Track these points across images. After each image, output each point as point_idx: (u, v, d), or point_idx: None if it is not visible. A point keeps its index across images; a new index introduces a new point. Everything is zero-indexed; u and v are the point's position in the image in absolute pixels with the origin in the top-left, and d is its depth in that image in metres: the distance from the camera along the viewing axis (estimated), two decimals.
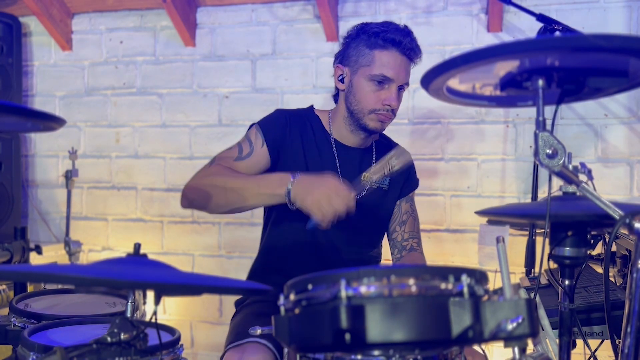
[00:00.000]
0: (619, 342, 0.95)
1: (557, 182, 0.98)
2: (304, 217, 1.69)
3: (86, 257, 2.99)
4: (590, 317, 1.43)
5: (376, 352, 0.81)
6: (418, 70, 1.36)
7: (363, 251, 1.76)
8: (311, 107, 1.81)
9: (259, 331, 1.16)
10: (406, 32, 1.62)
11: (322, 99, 2.63)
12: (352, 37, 1.67)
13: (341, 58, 1.70)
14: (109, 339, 0.86)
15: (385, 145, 1.82)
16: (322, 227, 1.38)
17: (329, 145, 1.72)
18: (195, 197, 1.54)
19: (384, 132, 1.83)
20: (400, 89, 1.64)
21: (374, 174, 1.51)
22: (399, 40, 1.59)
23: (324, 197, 1.35)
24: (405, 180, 1.80)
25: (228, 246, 2.82)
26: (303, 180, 1.40)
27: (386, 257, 1.95)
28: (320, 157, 1.70)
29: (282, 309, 0.86)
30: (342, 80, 1.69)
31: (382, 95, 1.61)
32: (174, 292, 0.87)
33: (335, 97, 1.76)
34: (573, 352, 1.17)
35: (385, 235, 1.82)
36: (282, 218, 1.73)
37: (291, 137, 1.68)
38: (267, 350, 1.40)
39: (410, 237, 1.76)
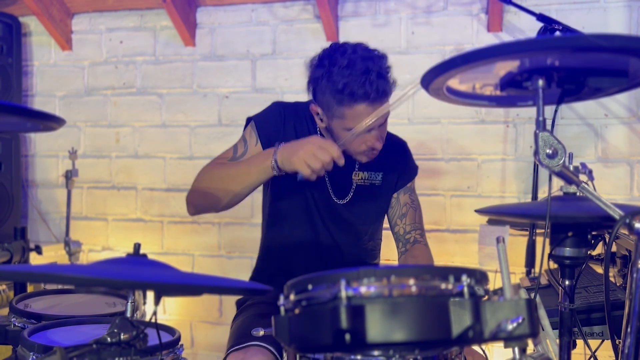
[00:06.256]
0: (619, 342, 0.95)
1: (557, 182, 0.98)
2: (301, 217, 1.69)
3: (86, 257, 2.99)
4: (591, 317, 1.43)
5: (376, 353, 0.81)
6: (418, 70, 1.36)
7: (359, 244, 1.75)
8: (310, 102, 1.80)
9: (261, 332, 1.16)
10: (373, 77, 1.46)
11: None
12: (317, 81, 1.54)
13: (314, 94, 1.58)
14: (109, 339, 0.86)
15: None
16: (310, 179, 1.44)
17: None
18: (198, 200, 1.59)
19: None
20: (381, 126, 1.57)
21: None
22: (365, 93, 1.45)
23: (308, 153, 1.40)
24: (401, 173, 1.76)
25: (228, 246, 2.82)
26: (286, 146, 1.46)
27: (388, 255, 1.95)
28: None
29: (282, 309, 0.86)
30: (320, 119, 1.60)
31: (366, 139, 1.55)
32: (174, 292, 0.87)
33: None
34: (573, 352, 1.17)
35: (390, 230, 1.81)
36: (279, 218, 1.73)
37: (286, 131, 1.66)
38: (268, 353, 1.40)
39: (413, 229, 1.74)
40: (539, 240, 1.06)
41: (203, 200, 1.58)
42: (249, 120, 1.71)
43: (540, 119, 0.92)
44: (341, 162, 1.43)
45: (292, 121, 1.68)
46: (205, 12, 2.85)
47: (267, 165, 1.47)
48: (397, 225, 1.76)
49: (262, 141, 1.63)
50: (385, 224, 1.82)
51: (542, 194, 2.22)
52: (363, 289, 0.78)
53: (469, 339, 0.77)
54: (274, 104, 1.73)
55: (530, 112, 2.47)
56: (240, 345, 1.43)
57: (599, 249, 1.72)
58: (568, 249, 1.08)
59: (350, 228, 1.72)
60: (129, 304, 1.01)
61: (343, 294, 0.78)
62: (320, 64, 1.55)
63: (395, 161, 1.76)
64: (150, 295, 0.93)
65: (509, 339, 0.78)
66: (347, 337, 0.75)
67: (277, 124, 1.66)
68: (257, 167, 1.49)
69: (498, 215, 1.19)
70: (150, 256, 0.94)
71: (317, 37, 2.69)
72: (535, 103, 0.93)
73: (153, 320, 0.88)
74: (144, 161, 2.94)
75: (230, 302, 1.87)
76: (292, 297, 0.85)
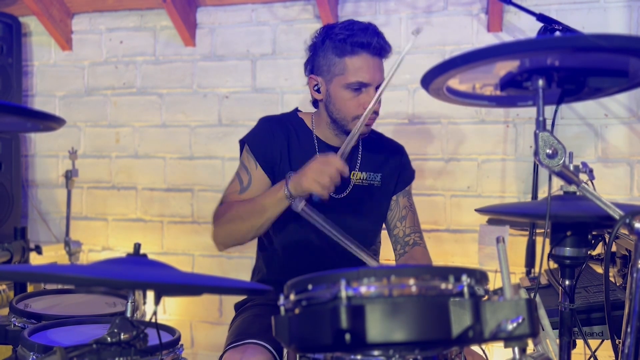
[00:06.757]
0: (619, 342, 0.95)
1: (557, 182, 0.98)
2: (298, 218, 1.69)
3: (86, 257, 2.99)
4: (591, 317, 1.43)
5: (376, 352, 0.81)
6: (418, 70, 1.36)
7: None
8: (295, 110, 1.81)
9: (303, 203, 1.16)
10: (372, 30, 1.58)
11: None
12: (317, 45, 1.65)
13: (311, 67, 1.69)
14: (109, 339, 0.86)
15: (374, 141, 1.80)
16: (324, 197, 1.46)
17: (313, 146, 1.72)
18: (225, 240, 1.64)
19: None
20: (378, 87, 1.62)
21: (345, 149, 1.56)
22: (368, 42, 1.56)
23: (316, 172, 1.44)
24: (399, 175, 1.78)
25: None
26: (295, 174, 1.50)
27: (386, 255, 1.95)
28: (305, 158, 1.71)
29: (282, 309, 0.86)
30: (318, 90, 1.67)
31: (362, 100, 1.60)
32: (174, 292, 0.87)
33: (314, 104, 1.76)
34: (573, 352, 1.17)
35: (386, 232, 1.82)
36: (277, 220, 1.73)
37: (278, 145, 1.69)
38: (266, 352, 1.40)
39: (412, 232, 1.75)
40: (539, 240, 1.06)
41: (229, 239, 1.63)
42: (242, 143, 1.74)
43: (541, 119, 0.92)
44: (345, 171, 1.46)
45: (281, 133, 1.70)
46: (205, 12, 2.85)
47: (281, 196, 1.50)
48: (396, 227, 1.77)
49: (260, 162, 1.67)
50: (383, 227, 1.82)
51: (542, 194, 2.22)
52: (363, 289, 0.78)
53: (469, 339, 0.77)
54: (261, 121, 1.75)
55: (530, 112, 2.47)
56: (238, 343, 1.43)
57: (599, 249, 1.72)
58: (568, 248, 1.08)
59: (349, 229, 1.72)
60: (129, 304, 1.01)
61: (343, 294, 0.78)
62: (320, 32, 1.66)
63: (394, 164, 1.79)
64: (150, 295, 0.93)
65: (509, 339, 0.78)
66: (347, 337, 0.75)
67: (268, 139, 1.69)
68: (271, 200, 1.53)
69: (498, 214, 1.19)
70: (150, 256, 0.94)
71: None
72: (535, 103, 0.93)
73: (153, 320, 0.88)
74: (144, 161, 2.93)
75: (230, 302, 1.87)
76: (292, 297, 0.85)
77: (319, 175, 1.43)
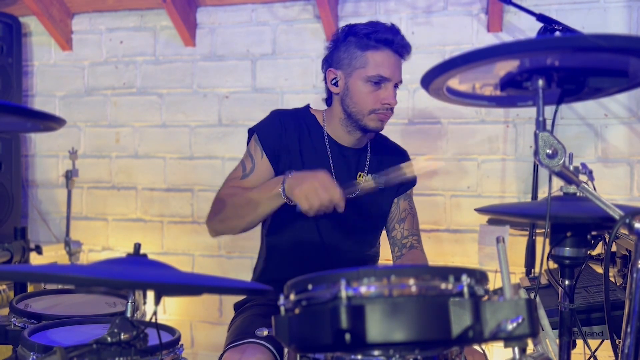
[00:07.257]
0: (619, 342, 0.95)
1: (557, 182, 0.98)
2: (303, 220, 1.69)
3: (86, 257, 2.99)
4: (590, 317, 1.43)
5: (376, 352, 0.81)
6: (418, 70, 1.36)
7: (361, 250, 1.76)
8: (307, 107, 1.82)
9: (265, 332, 1.16)
10: (395, 30, 1.63)
11: (322, 99, 2.62)
12: (340, 40, 1.67)
13: (331, 62, 1.70)
14: (109, 339, 0.86)
15: (382, 144, 1.81)
16: (308, 214, 1.44)
17: (324, 143, 1.73)
18: (218, 227, 1.64)
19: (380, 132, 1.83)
20: (395, 87, 1.65)
21: (375, 179, 1.56)
22: (391, 39, 1.60)
23: (312, 189, 1.41)
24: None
25: (228, 246, 2.82)
26: (296, 175, 1.47)
27: (386, 256, 1.95)
28: (316, 155, 1.71)
29: (282, 309, 0.86)
30: (335, 84, 1.68)
31: (380, 95, 1.62)
32: (174, 292, 0.87)
33: (327, 100, 1.76)
34: (573, 352, 1.17)
35: (385, 233, 1.82)
36: (279, 221, 1.73)
37: (288, 139, 1.69)
38: (266, 352, 1.40)
39: (410, 235, 1.76)
40: (539, 240, 1.07)
41: (222, 226, 1.63)
42: (250, 132, 1.74)
43: (540, 119, 0.92)
44: (341, 207, 1.43)
45: (292, 127, 1.71)
46: (205, 12, 2.85)
47: (277, 193, 1.48)
48: (394, 229, 1.78)
49: (267, 152, 1.67)
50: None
51: (542, 194, 2.22)
52: (363, 289, 0.78)
53: (469, 339, 0.77)
54: (273, 113, 1.75)
55: (530, 112, 2.47)
56: (238, 343, 1.43)
57: (599, 249, 1.72)
58: (568, 249, 1.08)
59: (351, 230, 1.72)
60: (129, 304, 1.01)
61: (343, 294, 0.78)
62: (342, 29, 1.67)
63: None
64: (150, 295, 0.93)
65: (509, 339, 0.78)
66: (347, 337, 0.75)
67: (278, 131, 1.69)
68: (267, 195, 1.51)
69: (498, 214, 1.19)
70: (150, 256, 0.94)
71: (317, 37, 2.69)
72: (535, 103, 0.93)
73: (153, 320, 0.88)
74: (144, 161, 2.94)
75: (230, 302, 1.87)
76: (292, 297, 0.85)
77: (313, 195, 1.40)
